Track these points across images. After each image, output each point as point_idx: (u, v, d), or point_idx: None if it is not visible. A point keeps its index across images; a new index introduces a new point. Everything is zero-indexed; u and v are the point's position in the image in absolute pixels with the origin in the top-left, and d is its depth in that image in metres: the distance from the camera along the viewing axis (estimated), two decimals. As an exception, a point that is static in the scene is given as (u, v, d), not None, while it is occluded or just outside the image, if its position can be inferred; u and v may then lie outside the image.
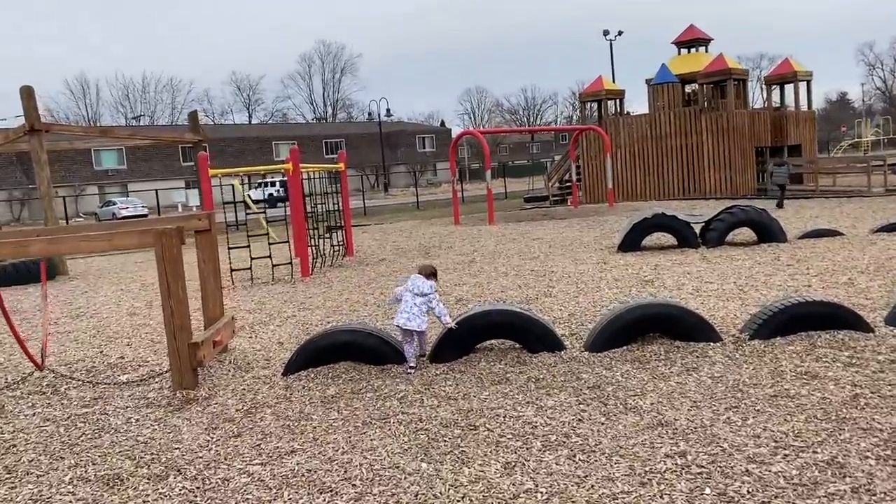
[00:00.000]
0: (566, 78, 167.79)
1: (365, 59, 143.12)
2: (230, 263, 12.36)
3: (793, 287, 8.21)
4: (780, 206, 18.67)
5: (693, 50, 29.13)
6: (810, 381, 4.96)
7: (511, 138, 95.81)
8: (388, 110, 51.72)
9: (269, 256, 12.17)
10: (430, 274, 6.19)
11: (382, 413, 5.04)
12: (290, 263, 12.27)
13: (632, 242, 12.28)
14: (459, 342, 6.16)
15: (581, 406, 4.87)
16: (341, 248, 14.22)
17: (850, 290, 7.74)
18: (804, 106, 27.87)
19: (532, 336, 6.12)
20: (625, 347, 6.07)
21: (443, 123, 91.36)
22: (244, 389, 5.91)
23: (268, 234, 13.94)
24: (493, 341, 6.40)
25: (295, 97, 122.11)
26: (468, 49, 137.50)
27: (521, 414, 4.79)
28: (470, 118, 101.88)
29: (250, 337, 7.89)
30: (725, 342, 6.01)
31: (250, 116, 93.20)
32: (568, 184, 29.24)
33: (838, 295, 7.61)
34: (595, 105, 29.58)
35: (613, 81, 33.75)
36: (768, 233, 11.89)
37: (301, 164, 12.41)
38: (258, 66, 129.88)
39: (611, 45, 44.84)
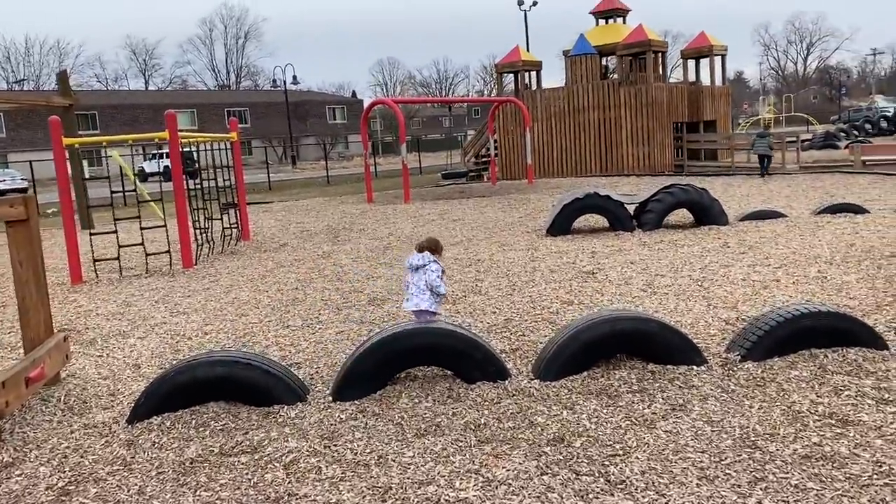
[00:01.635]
0: (478, 51, 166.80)
1: (271, 24, 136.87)
2: (93, 252, 10.31)
3: (759, 281, 7.06)
4: (763, 175, 19.11)
5: (611, 21, 28.20)
6: (844, 430, 3.67)
7: (424, 111, 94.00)
8: (294, 77, 48.70)
9: (142, 244, 10.17)
10: (429, 248, 5.42)
11: (259, 493, 3.44)
12: (168, 252, 10.30)
13: (561, 225, 11.08)
14: (373, 372, 4.59)
15: (544, 478, 3.41)
16: (235, 230, 12.33)
17: (828, 288, 6.63)
18: (719, 81, 27.49)
19: (469, 362, 4.62)
20: (585, 374, 4.67)
21: (354, 94, 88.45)
22: (68, 449, 4.17)
23: (160, 217, 11.86)
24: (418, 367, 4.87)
25: (195, 63, 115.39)
26: (379, 19, 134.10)
27: (459, 497, 3.29)
28: (382, 90, 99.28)
29: (99, 356, 6.07)
30: (711, 365, 4.69)
31: (147, 83, 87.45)
32: (485, 159, 28.02)
33: (814, 292, 6.48)
34: (512, 77, 28.35)
35: (529, 52, 32.49)
36: (708, 215, 10.90)
37: (184, 132, 10.43)
38: (155, 30, 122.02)
39: (525, 15, 43.69)
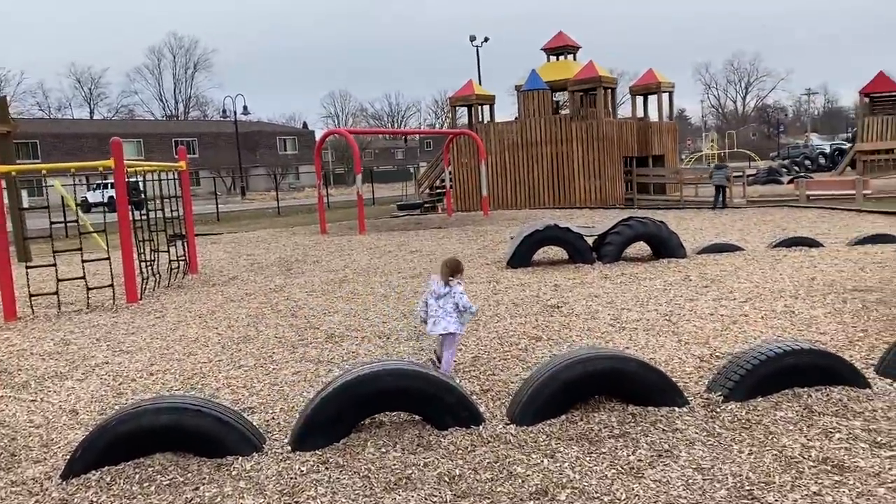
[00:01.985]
0: (430, 86, 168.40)
1: (221, 55, 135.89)
2: (29, 287, 9.66)
3: (727, 316, 6.93)
4: (715, 208, 19.67)
5: (562, 57, 28.57)
6: (842, 478, 3.46)
7: (377, 143, 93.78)
8: (244, 108, 47.94)
9: (84, 277, 9.56)
10: (452, 271, 5.39)
11: (212, 565, 3.03)
12: (112, 286, 9.71)
13: (522, 257, 10.89)
14: (336, 419, 4.23)
15: (531, 538, 3.09)
16: (182, 263, 11.78)
17: (797, 323, 6.53)
18: (666, 117, 28.04)
19: (440, 406, 4.30)
20: (563, 417, 4.38)
21: (305, 125, 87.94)
22: (-9, 512, 3.67)
23: (104, 249, 11.23)
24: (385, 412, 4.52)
25: (143, 93, 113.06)
26: (331, 51, 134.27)
27: (441, 562, 2.95)
28: (333, 121, 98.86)
29: (32, 401, 5.53)
30: (693, 406, 4.46)
31: (92, 112, 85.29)
32: (439, 190, 27.87)
33: (784, 328, 6.37)
34: (465, 111, 28.40)
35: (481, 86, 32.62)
36: (666, 248, 10.85)
37: (130, 161, 9.93)
38: (101, 58, 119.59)
39: (477, 50, 44.16)
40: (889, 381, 4.64)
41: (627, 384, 4.43)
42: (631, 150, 25.42)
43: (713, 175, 20.84)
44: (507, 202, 25.46)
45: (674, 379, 4.79)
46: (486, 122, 27.17)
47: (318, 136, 51.91)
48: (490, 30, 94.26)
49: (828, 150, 40.69)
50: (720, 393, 4.52)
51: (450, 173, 24.84)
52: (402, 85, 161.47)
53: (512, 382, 5.28)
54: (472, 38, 43.88)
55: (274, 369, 6.17)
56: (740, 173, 24.92)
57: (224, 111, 49.73)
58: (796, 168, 36.51)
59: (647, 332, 6.56)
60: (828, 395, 4.44)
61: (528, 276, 10.07)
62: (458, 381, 4.74)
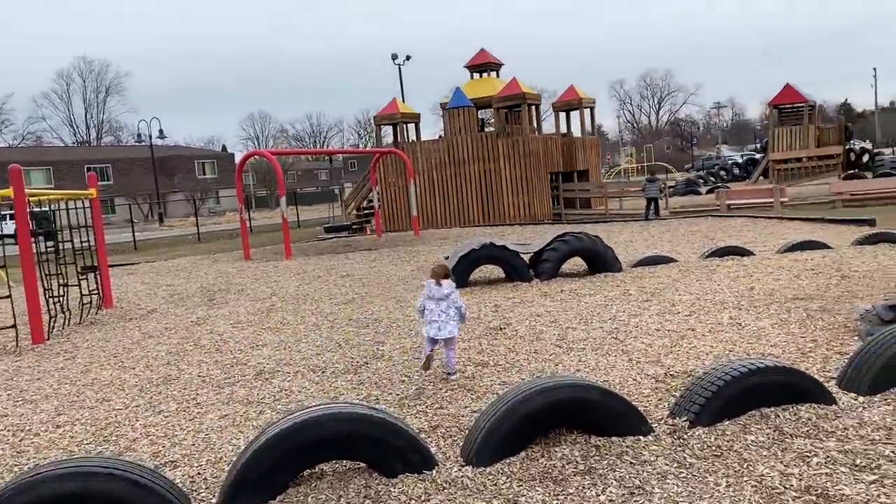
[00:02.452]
0: (352, 105, 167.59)
1: (135, 79, 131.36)
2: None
3: (674, 331, 6.74)
4: (647, 219, 20.02)
5: (485, 74, 28.62)
6: (830, 508, 3.20)
7: (299, 165, 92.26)
8: (160, 132, 46.11)
9: (-19, 319, 8.64)
10: (445, 275, 5.78)
11: None
12: (14, 326, 8.81)
13: (458, 277, 10.52)
14: (271, 474, 3.72)
15: None
16: (95, 297, 10.91)
17: (746, 335, 6.38)
18: (588, 133, 28.43)
19: (388, 451, 3.85)
20: (523, 454, 4.01)
21: (224, 148, 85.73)
22: None
23: (5, 284, 10.25)
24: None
25: (51, 118, 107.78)
26: (249, 73, 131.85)
27: None
28: (253, 143, 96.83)
29: (-88, 470, 4.77)
30: (659, 434, 4.17)
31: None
32: (367, 211, 27.37)
33: (734, 341, 6.21)
34: (390, 130, 28.07)
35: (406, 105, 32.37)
36: (602, 262, 10.72)
37: (34, 190, 9.08)
38: (4, 83, 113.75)
39: (400, 69, 43.94)
40: (853, 394, 4.48)
41: (590, 414, 4.10)
42: (556, 165, 25.57)
43: (645, 188, 21.25)
44: (437, 221, 25.20)
45: (635, 404, 4.49)
46: (412, 140, 26.89)
47: (238, 159, 50.48)
48: (412, 49, 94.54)
49: (740, 161, 42.26)
50: (685, 418, 4.25)
51: (377, 193, 24.40)
52: (324, 105, 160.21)
53: (462, 416, 4.89)
54: (395, 57, 43.65)
55: (198, 413, 5.59)
56: (663, 185, 25.29)
57: (139, 135, 47.67)
58: (712, 178, 37.73)
59: (595, 351, 6.29)
60: (796, 414, 4.22)
61: (467, 296, 9.71)
62: (406, 421, 4.31)
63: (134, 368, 7.28)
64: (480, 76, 28.69)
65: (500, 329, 7.53)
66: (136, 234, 30.75)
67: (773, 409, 4.26)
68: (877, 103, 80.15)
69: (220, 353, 7.62)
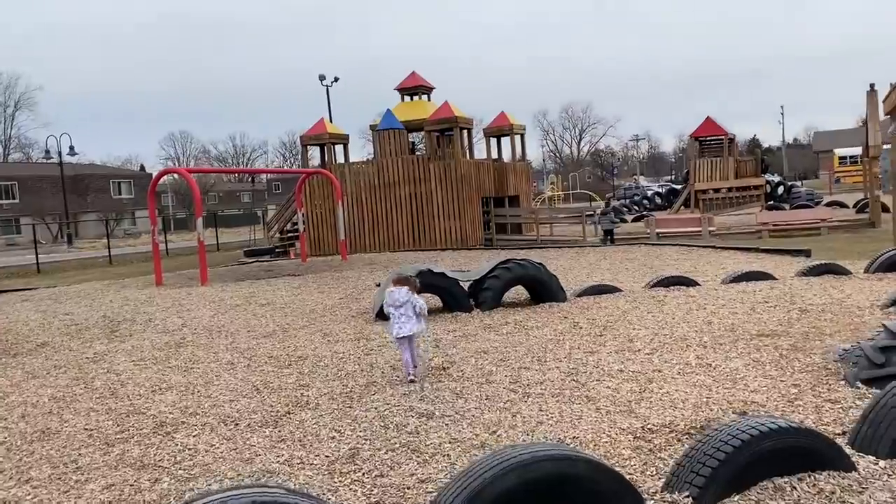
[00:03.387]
0: (277, 127, 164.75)
1: (48, 93, 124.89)
2: None
3: (639, 372, 6.00)
4: (606, 243, 20.29)
5: (416, 97, 28.01)
6: None
7: (221, 186, 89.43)
8: (71, 148, 43.21)
9: None
10: (403, 281, 6.54)
11: None
12: None
13: None
14: None
15: None
16: (-28, 330, 9.40)
17: (721, 379, 5.70)
18: (518, 158, 28.19)
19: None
20: (492, 549, 3.09)
21: (143, 168, 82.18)
22: None
23: None
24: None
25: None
26: (170, 91, 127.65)
27: None
28: (174, 164, 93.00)
29: None
30: (657, 514, 3.33)
31: None
32: (291, 234, 26.13)
33: (708, 385, 5.51)
34: (317, 151, 27.10)
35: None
36: (547, 290, 10.08)
37: None
38: None
39: (327, 90, 42.84)
40: (871, 458, 3.77)
41: (574, 494, 3.23)
42: (488, 190, 25.15)
43: (600, 220, 21.81)
44: (366, 245, 24.32)
45: (626, 477, 3.65)
46: (340, 162, 25.98)
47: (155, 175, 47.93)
48: (339, 72, 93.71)
49: (661, 191, 42.99)
50: (686, 493, 3.43)
51: (303, 216, 23.29)
52: (248, 126, 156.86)
53: (408, 487, 3.96)
54: (322, 78, 42.55)
55: (77, 483, 4.48)
56: (591, 212, 25.20)
57: (47, 152, 44.43)
58: (636, 207, 38.11)
59: (556, 398, 5.47)
60: (815, 485, 3.47)
61: None
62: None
63: (6, 419, 6.04)
64: (412, 99, 28.05)
65: (444, 369, 6.64)
66: (41, 256, 28.43)
67: (786, 478, 3.51)
68: (784, 138, 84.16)
69: (115, 399, 6.47)
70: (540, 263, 10.26)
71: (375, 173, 24.41)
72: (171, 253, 31.02)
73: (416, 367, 6.35)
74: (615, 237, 21.04)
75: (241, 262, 23.20)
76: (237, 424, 5.43)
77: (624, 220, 32.01)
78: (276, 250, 25.26)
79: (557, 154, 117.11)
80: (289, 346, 8.20)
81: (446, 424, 5.04)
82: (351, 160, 27.01)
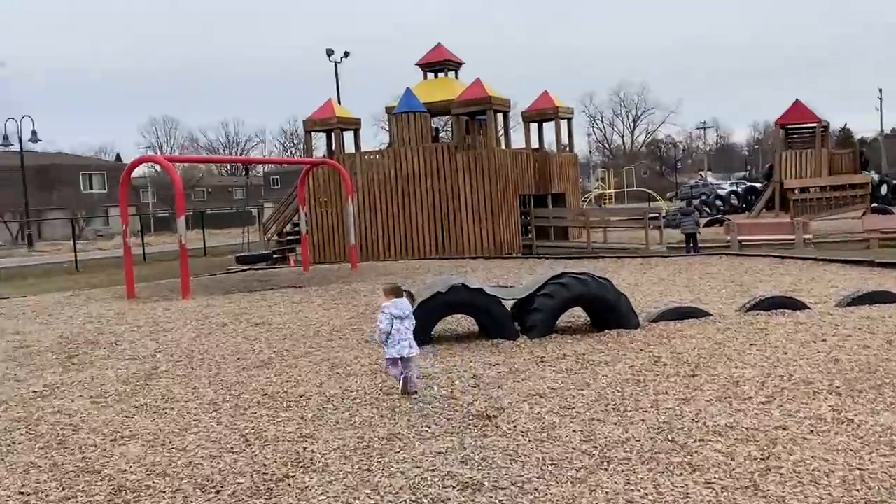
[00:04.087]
0: (277, 113, 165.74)
1: (11, 71, 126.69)
2: None
3: (759, 431, 5.28)
4: (689, 252, 19.74)
5: (441, 74, 27.49)
6: None
7: (210, 180, 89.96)
8: (33, 133, 43.14)
9: None
10: (398, 291, 7.02)
11: None
12: None
13: (419, 330, 8.94)
14: None
15: None
16: None
17: (873, 442, 4.95)
18: (566, 147, 27.68)
19: None
20: None
21: (119, 158, 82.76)
22: None
23: None
24: None
25: None
26: (154, 72, 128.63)
27: None
28: (155, 153, 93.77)
29: None
30: None
31: None
32: (291, 237, 25.86)
33: (863, 455, 4.78)
34: (324, 138, 26.79)
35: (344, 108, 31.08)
36: (614, 315, 9.44)
37: None
38: None
39: (336, 67, 42.55)
40: None
41: None
42: (528, 186, 24.62)
43: (681, 222, 21.47)
44: (380, 252, 23.85)
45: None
46: (350, 152, 25.69)
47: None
48: (350, 46, 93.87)
49: (738, 190, 42.01)
50: None
51: (306, 215, 22.85)
52: (244, 111, 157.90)
53: None
54: (330, 53, 42.31)
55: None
56: (656, 214, 24.46)
57: (6, 137, 44.34)
58: (707, 209, 37.17)
59: (647, 465, 4.77)
60: None
61: (431, 360, 8.30)
62: None
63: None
64: (436, 76, 27.59)
65: (490, 418, 5.98)
66: (-7, 260, 28.28)
67: None
68: (882, 127, 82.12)
69: (64, 450, 5.93)
70: (604, 279, 9.65)
71: (392, 165, 24.02)
72: (150, 258, 30.79)
73: (416, 391, 6.80)
74: (699, 243, 20.61)
75: (232, 271, 22.82)
76: (218, 492, 4.81)
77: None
78: (274, 256, 24.86)
79: (607, 145, 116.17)
80: (287, 381, 7.64)
81: (500, 501, 4.36)
82: (363, 149, 26.75)
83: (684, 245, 20.92)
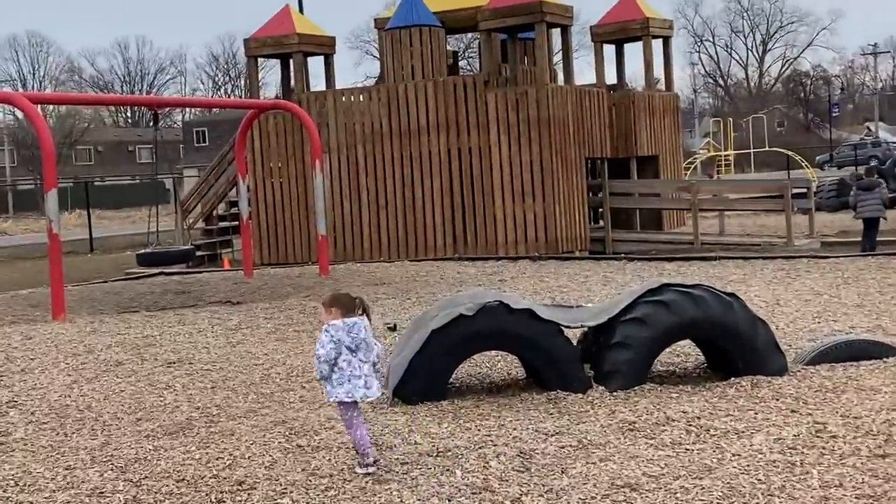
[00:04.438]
0: (202, 30, 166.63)
1: None
2: None
3: None
4: (864, 250, 20.35)
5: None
6: None
7: (103, 135, 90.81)
8: None
9: None
10: (346, 303, 7.23)
11: None
12: None
13: (429, 379, 9.31)
14: None
15: None
16: None
17: None
18: (661, 84, 29.12)
19: None
20: None
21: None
22: None
23: None
24: None
25: None
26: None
27: None
28: (16, 87, 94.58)
29: None
30: None
31: None
32: (225, 224, 27.34)
33: None
34: (278, 69, 27.41)
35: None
36: (747, 351, 9.44)
37: None
38: None
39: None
40: None
41: None
42: (600, 145, 25.05)
43: (858, 202, 21.56)
44: (366, 247, 24.66)
45: None
46: (317, 90, 27.17)
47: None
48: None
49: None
50: None
51: (248, 189, 23.04)
52: (152, 29, 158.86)
53: None
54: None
55: None
56: (803, 188, 25.15)
57: None
58: (882, 182, 37.06)
59: None
60: None
61: (450, 427, 8.23)
62: None
63: None
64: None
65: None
66: None
67: None
68: None
69: None
70: (731, 294, 9.78)
71: (384, 112, 24.60)
72: (5, 255, 31.22)
73: (375, 460, 7.06)
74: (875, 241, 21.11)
75: (133, 275, 23.33)
76: None
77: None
78: (198, 254, 25.25)
79: (720, 80, 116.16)
80: (219, 458, 7.58)
81: None
82: (338, 87, 27.65)
83: (861, 237, 21.17)
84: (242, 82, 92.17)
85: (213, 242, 27.37)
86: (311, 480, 6.89)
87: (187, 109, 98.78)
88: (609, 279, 16.71)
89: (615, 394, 8.94)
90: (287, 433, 8.15)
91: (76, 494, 6.87)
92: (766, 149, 64.24)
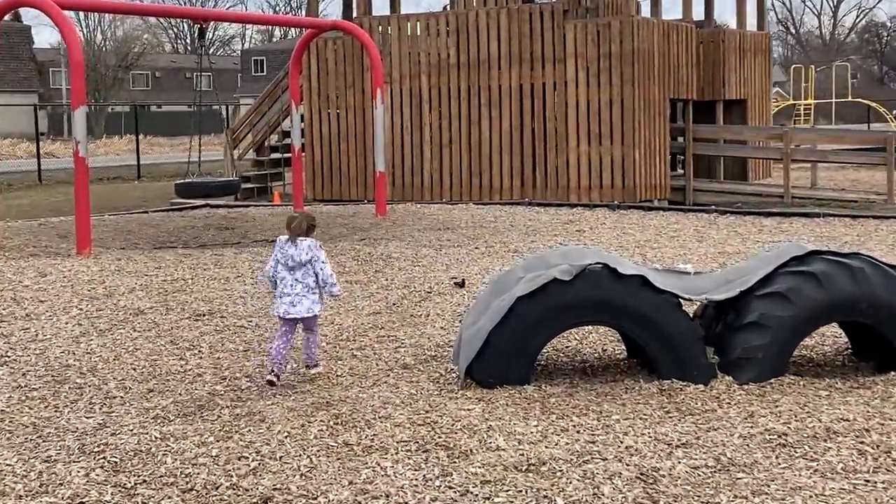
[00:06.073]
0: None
1: None
2: None
3: None
4: None
5: None
6: None
7: (158, 60, 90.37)
8: None
9: None
10: (307, 227, 7.78)
11: None
12: None
13: (508, 359, 7.98)
14: None
15: None
16: None
17: None
18: (752, 23, 28.13)
19: None
20: None
21: (18, 17, 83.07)
22: None
23: None
24: None
25: None
26: None
27: None
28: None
29: None
30: None
31: None
32: (277, 156, 26.87)
33: None
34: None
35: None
36: None
37: None
38: None
39: None
40: None
41: None
42: (686, 86, 24.23)
43: None
44: (427, 187, 24.14)
45: None
46: (380, 14, 26.20)
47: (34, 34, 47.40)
48: None
49: None
50: None
51: (302, 118, 22.68)
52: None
53: None
54: None
55: None
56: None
57: None
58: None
59: None
60: None
61: (539, 425, 6.74)
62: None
63: None
64: None
65: None
66: None
67: None
68: None
69: None
70: (889, 265, 8.06)
71: (452, 42, 24.03)
72: (47, 177, 30.50)
73: (277, 378, 7.55)
74: None
75: (177, 205, 23.12)
76: None
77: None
78: (244, 185, 24.86)
79: (792, 29, 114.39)
80: (243, 453, 6.19)
81: None
82: (403, 12, 27.36)
83: None
84: (303, 13, 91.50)
85: (264, 174, 27.11)
86: (359, 498, 5.41)
87: (247, 37, 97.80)
88: (703, 235, 15.60)
89: (746, 387, 7.50)
90: (332, 422, 6.85)
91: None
92: (849, 99, 62.27)
